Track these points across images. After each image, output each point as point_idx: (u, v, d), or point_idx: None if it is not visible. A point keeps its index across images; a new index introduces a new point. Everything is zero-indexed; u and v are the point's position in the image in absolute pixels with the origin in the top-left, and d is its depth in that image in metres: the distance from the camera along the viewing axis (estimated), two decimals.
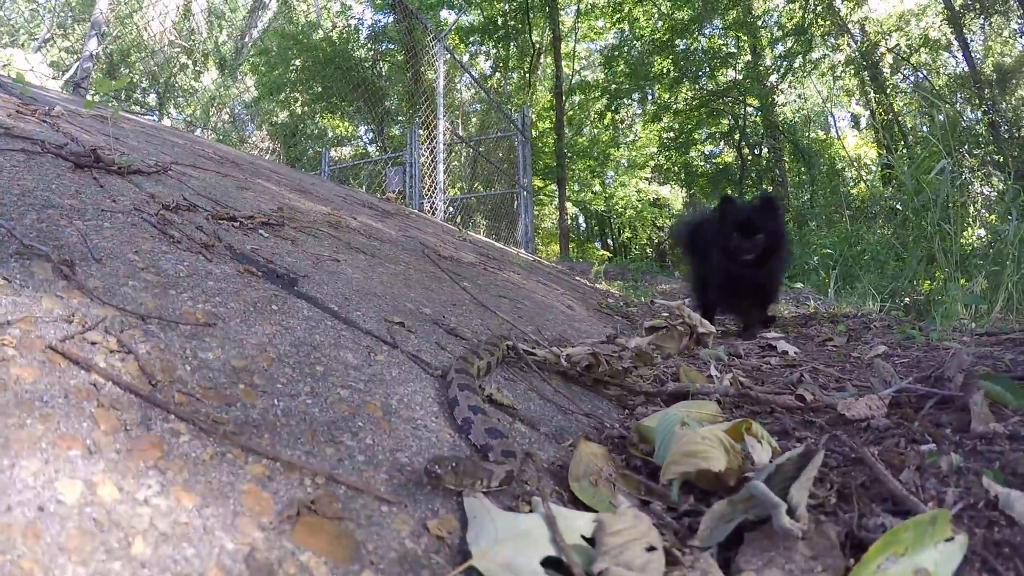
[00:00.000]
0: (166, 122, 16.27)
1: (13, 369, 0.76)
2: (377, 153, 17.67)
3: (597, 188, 25.74)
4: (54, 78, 14.71)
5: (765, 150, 21.63)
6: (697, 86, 20.84)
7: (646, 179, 26.21)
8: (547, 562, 0.77)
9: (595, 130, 24.10)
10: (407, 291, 2.20)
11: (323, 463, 0.81)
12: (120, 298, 1.10)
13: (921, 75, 20.07)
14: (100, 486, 0.62)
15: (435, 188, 9.88)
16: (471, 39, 22.05)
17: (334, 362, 1.18)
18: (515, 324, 2.36)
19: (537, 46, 22.56)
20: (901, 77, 20.37)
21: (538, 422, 1.38)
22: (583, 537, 0.86)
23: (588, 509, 1.05)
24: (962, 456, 1.23)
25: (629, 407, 1.85)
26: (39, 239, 1.24)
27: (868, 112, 20.82)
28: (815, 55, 19.60)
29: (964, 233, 5.29)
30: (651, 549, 0.82)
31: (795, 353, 3.06)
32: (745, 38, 20.15)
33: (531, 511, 0.95)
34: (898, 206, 5.55)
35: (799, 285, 8.08)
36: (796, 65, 19.44)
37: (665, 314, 2.26)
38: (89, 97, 2.89)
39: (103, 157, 2.38)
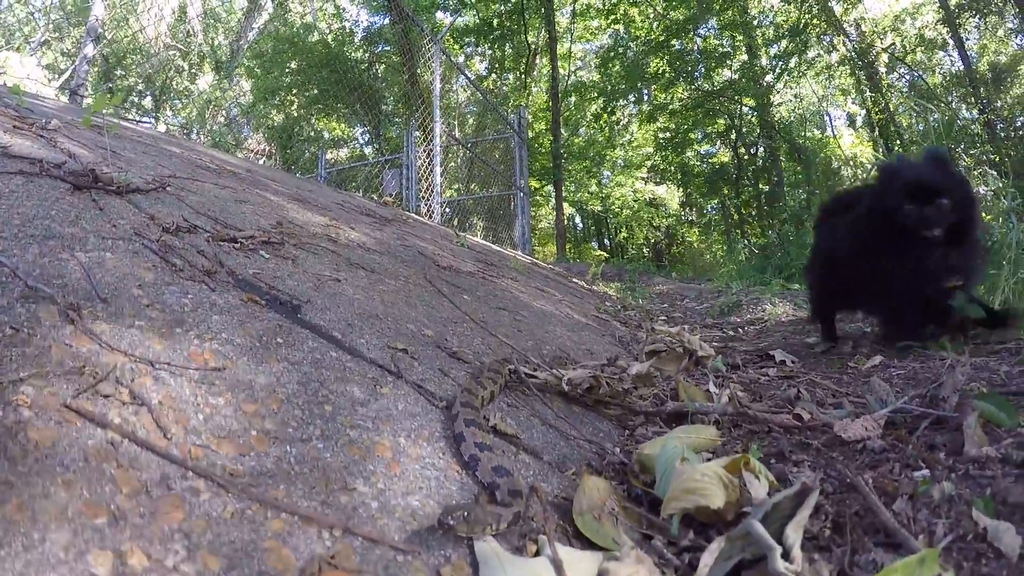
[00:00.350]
0: (161, 127, 16.26)
1: (31, 433, 0.78)
2: (374, 155, 17.67)
3: (593, 188, 25.82)
4: (50, 81, 14.68)
5: (761, 150, 21.68)
6: (693, 86, 20.88)
7: (642, 179, 26.29)
8: None
9: (591, 131, 24.15)
10: (408, 310, 2.22)
11: (339, 513, 0.84)
12: (128, 342, 1.11)
13: (916, 74, 20.15)
14: (130, 556, 0.64)
15: (432, 190, 9.90)
16: (466, 40, 22.05)
17: (341, 398, 1.20)
18: (515, 344, 2.38)
19: (533, 47, 22.58)
20: (897, 76, 20.44)
21: (541, 451, 1.41)
22: None
23: (592, 544, 1.08)
24: (954, 482, 1.25)
25: (629, 427, 1.88)
26: (43, 278, 1.25)
27: (864, 111, 20.88)
28: (810, 54, 19.64)
29: None
30: None
31: (792, 363, 3.08)
32: (740, 38, 20.20)
33: (538, 551, 0.98)
34: None
35: (797, 286, 8.12)
36: (791, 65, 19.48)
37: (663, 329, 2.29)
38: (87, 104, 2.90)
39: (101, 176, 2.39)
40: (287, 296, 1.79)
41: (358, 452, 1.02)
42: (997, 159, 12.38)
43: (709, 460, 1.31)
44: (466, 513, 0.88)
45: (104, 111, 3.79)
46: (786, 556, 0.95)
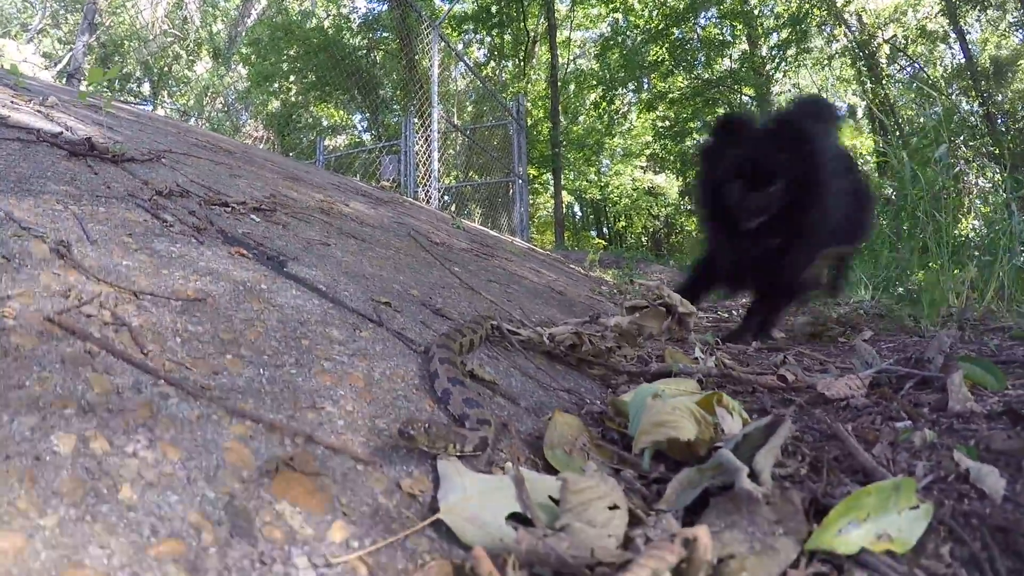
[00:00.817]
0: (160, 112, 16.23)
1: (13, 338, 0.81)
2: (372, 142, 17.64)
3: (592, 177, 25.77)
4: (47, 67, 14.65)
5: None
6: (692, 75, 20.82)
7: (641, 168, 26.23)
8: (513, 518, 0.81)
9: (590, 119, 24.10)
10: (396, 274, 2.24)
11: (304, 426, 0.86)
12: (115, 276, 1.14)
13: (918, 66, 20.10)
14: (92, 440, 0.67)
15: (429, 176, 9.89)
16: (465, 27, 21.97)
17: (320, 337, 1.22)
18: (502, 307, 2.40)
19: (532, 35, 22.51)
20: (898, 68, 20.39)
21: (519, 397, 1.43)
22: (551, 498, 0.90)
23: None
24: (937, 433, 1.24)
25: (612, 386, 1.88)
26: (37, 224, 1.28)
27: (864, 103, 20.83)
28: (811, 44, 19.58)
29: (959, 223, 5.31)
30: (614, 508, 0.86)
31: (783, 338, 3.11)
32: (741, 27, 20.13)
33: (505, 476, 1.00)
34: (892, 195, 5.55)
35: None
36: (790, 53, 19.42)
37: (643, 282, 2.28)
38: (83, 87, 2.93)
39: (97, 145, 2.42)
40: (275, 253, 1.82)
41: (331, 380, 1.04)
42: (997, 152, 12.36)
43: None
44: (427, 425, 0.89)
45: (101, 91, 3.81)
46: (755, 480, 0.96)
